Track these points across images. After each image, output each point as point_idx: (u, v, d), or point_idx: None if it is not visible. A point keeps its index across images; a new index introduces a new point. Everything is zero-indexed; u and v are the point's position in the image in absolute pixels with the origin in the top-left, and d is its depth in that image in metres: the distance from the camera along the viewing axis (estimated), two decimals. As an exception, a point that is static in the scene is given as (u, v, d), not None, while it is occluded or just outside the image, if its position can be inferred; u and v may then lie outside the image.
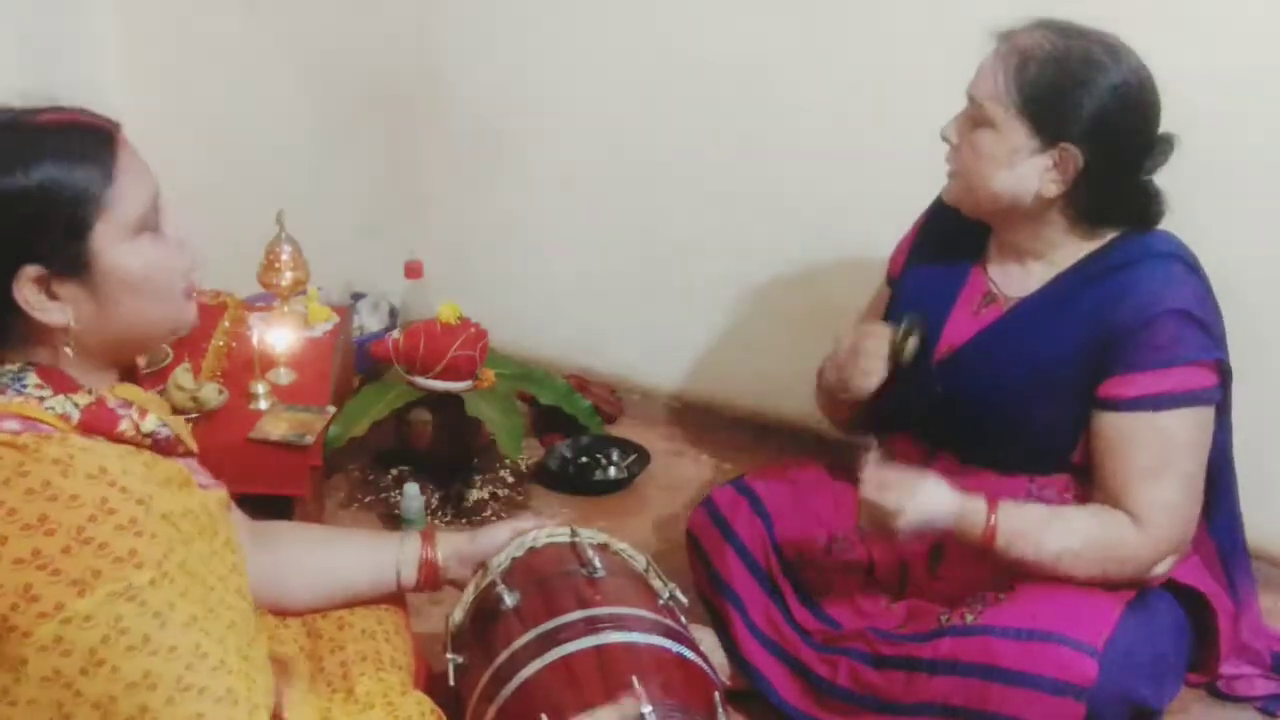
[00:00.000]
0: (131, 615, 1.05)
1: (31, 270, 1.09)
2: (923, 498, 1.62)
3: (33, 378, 1.12)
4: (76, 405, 1.12)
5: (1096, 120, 1.58)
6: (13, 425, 1.08)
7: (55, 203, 1.09)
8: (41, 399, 1.11)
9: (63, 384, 1.13)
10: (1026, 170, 1.61)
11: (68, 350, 1.13)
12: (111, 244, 1.12)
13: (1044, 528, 1.62)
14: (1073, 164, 1.59)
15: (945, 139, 1.68)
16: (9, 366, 1.13)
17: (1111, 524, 1.61)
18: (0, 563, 1.03)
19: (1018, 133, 1.59)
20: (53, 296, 1.11)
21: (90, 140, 1.13)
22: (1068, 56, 1.57)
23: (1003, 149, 1.60)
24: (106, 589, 1.04)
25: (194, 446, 1.26)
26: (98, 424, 1.13)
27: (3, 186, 1.08)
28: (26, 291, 1.09)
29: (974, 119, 1.63)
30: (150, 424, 1.17)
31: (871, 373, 1.74)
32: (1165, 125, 1.64)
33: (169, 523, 1.12)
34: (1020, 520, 1.62)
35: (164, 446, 1.19)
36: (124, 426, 1.14)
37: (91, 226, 1.10)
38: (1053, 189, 1.62)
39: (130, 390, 1.21)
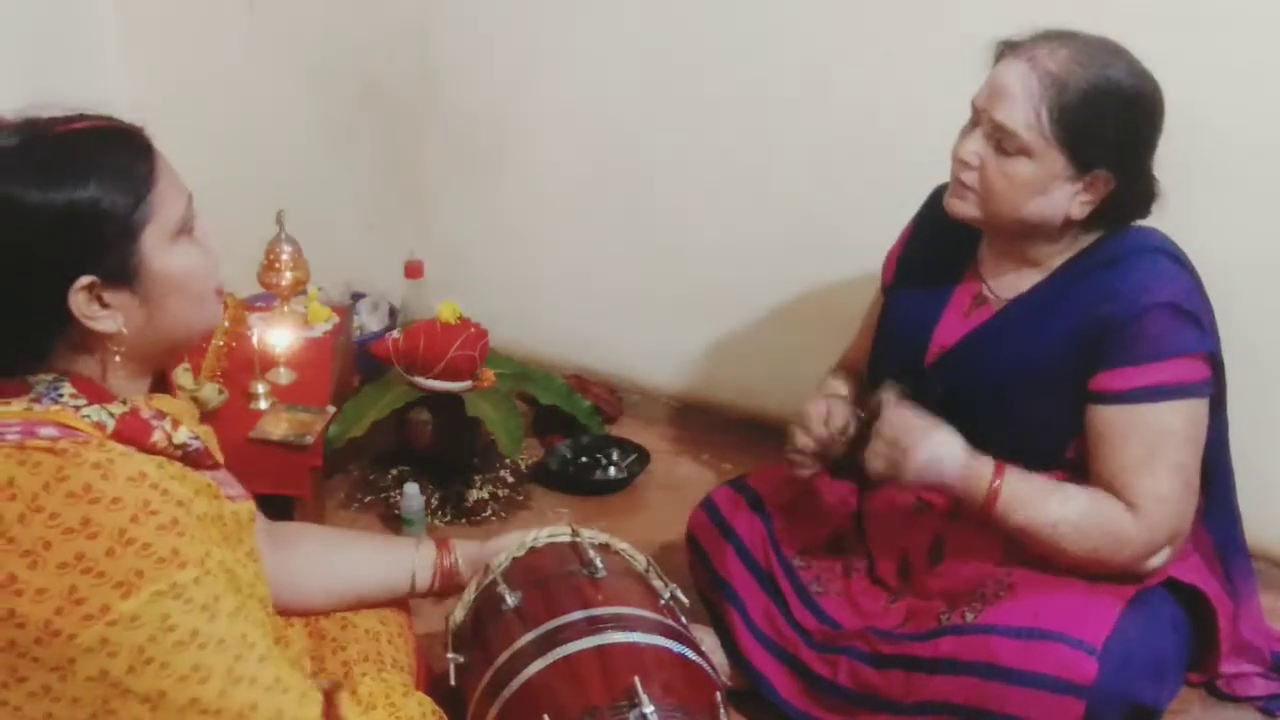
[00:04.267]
0: (179, 612, 1.06)
1: (84, 280, 1.09)
2: (937, 442, 1.64)
3: (68, 387, 1.13)
4: (111, 414, 1.13)
5: (1128, 145, 1.60)
6: (50, 431, 1.09)
7: (106, 212, 1.09)
8: (77, 408, 1.12)
9: (98, 394, 1.14)
10: (1058, 195, 1.61)
11: (117, 358, 1.14)
12: (157, 249, 1.13)
13: (1044, 497, 1.63)
14: (1104, 186, 1.60)
15: (964, 161, 1.65)
16: (44, 376, 1.14)
17: (1109, 506, 1.62)
18: (44, 567, 1.03)
19: (1056, 162, 1.58)
20: (104, 305, 1.12)
21: (130, 146, 1.14)
22: (1101, 84, 1.56)
23: (1040, 177, 1.59)
24: (151, 589, 1.05)
25: (220, 458, 1.27)
26: (132, 434, 1.13)
27: (53, 200, 1.08)
28: (80, 301, 1.10)
29: (1001, 143, 1.60)
30: (182, 435, 1.17)
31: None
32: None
33: (205, 525, 1.12)
34: (1023, 487, 1.63)
35: (194, 459, 1.19)
36: (157, 438, 1.15)
37: (141, 233, 1.11)
38: (1082, 211, 1.62)
39: (165, 401, 1.22)
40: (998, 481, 1.63)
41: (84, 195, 1.08)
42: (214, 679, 1.06)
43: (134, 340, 1.15)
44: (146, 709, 1.05)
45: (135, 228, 1.11)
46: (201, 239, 1.19)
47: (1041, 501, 1.62)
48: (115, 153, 1.12)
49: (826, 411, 1.80)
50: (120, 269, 1.11)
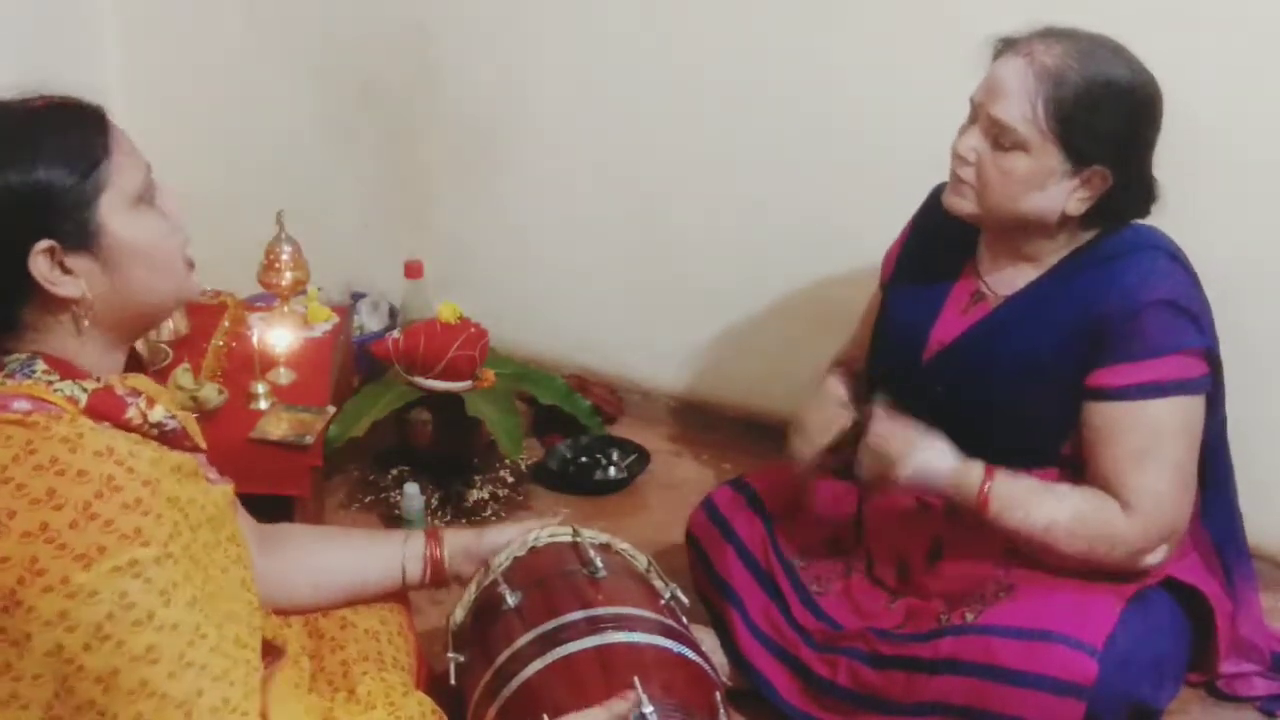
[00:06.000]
0: (137, 590, 1.06)
1: (43, 244, 1.11)
2: (923, 452, 1.65)
3: (41, 364, 1.15)
4: (85, 389, 1.14)
5: (1126, 141, 1.60)
6: (23, 405, 1.10)
7: (57, 180, 1.11)
8: (50, 383, 1.13)
9: (71, 371, 1.15)
10: (1055, 191, 1.61)
11: (86, 323, 1.15)
12: (116, 216, 1.14)
13: (1035, 499, 1.63)
14: (1100, 183, 1.60)
15: (962, 157, 1.65)
16: (18, 355, 1.15)
17: (1102, 505, 1.62)
18: (8, 536, 1.04)
19: (1052, 157, 1.58)
20: (65, 270, 1.13)
21: (84, 120, 1.16)
22: (1097, 80, 1.56)
23: (1037, 173, 1.59)
24: (111, 563, 1.05)
25: (203, 444, 1.28)
26: (105, 409, 1.14)
27: (8, 169, 1.10)
28: (41, 265, 1.11)
29: (998, 139, 1.60)
30: (158, 414, 1.18)
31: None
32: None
33: (175, 507, 1.13)
34: (1013, 490, 1.64)
35: (171, 439, 1.20)
36: (131, 414, 1.16)
37: (97, 198, 1.13)
38: (1079, 208, 1.62)
39: (139, 380, 1.22)
40: (987, 486, 1.63)
41: (35, 166, 1.10)
42: (164, 661, 1.07)
43: (102, 307, 1.16)
44: (99, 689, 1.05)
45: (90, 195, 1.13)
46: (165, 209, 1.21)
47: (1033, 503, 1.63)
48: (68, 126, 1.15)
49: (824, 421, 1.81)
50: (79, 234, 1.13)
